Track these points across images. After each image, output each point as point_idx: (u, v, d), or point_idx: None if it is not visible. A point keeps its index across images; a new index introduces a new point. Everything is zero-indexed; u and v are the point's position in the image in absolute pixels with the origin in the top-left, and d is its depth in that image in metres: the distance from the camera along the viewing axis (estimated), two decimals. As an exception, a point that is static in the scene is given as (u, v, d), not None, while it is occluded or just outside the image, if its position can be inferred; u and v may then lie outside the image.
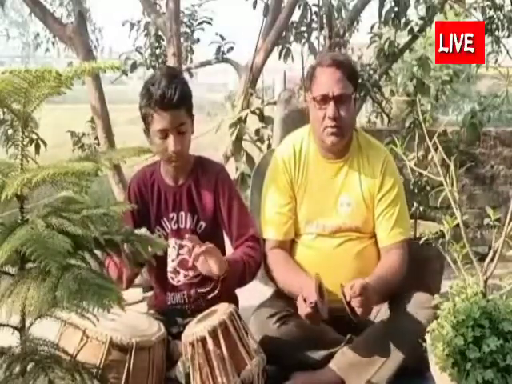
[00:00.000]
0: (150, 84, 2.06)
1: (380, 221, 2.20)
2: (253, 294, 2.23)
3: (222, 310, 1.89)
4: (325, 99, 2.13)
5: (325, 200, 2.22)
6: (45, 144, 4.05)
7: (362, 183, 2.21)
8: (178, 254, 2.19)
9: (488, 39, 4.71)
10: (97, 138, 4.34)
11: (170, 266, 2.19)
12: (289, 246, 2.26)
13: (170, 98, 2.03)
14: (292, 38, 4.57)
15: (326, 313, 1.93)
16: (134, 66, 4.78)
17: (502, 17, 4.69)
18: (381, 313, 2.20)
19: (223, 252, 2.27)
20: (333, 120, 2.13)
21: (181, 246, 2.18)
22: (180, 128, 2.06)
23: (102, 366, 1.70)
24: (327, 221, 2.21)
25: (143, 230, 1.89)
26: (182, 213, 2.18)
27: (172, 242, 2.17)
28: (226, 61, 4.71)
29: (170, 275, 2.20)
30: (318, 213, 2.21)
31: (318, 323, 1.99)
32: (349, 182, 2.22)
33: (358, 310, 1.91)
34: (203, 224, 2.18)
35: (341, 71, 2.14)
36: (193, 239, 2.01)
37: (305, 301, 1.94)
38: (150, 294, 2.45)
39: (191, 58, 4.91)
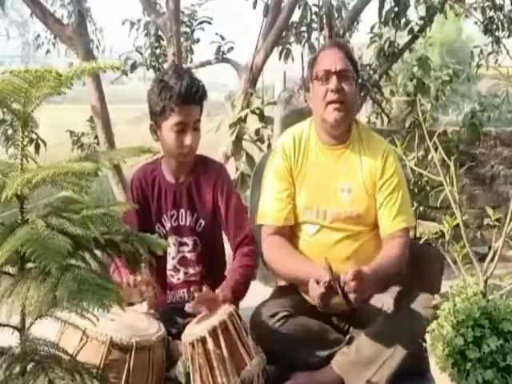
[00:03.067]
0: (168, 79, 2.07)
1: (383, 209, 2.19)
2: (253, 294, 2.23)
3: (222, 310, 1.89)
4: (327, 75, 2.15)
5: (325, 186, 2.21)
6: (44, 144, 4.06)
7: (363, 169, 2.21)
8: (178, 252, 2.19)
9: (488, 39, 4.72)
10: (96, 137, 4.35)
11: (170, 263, 2.20)
12: (288, 233, 2.24)
13: (195, 92, 2.07)
14: (292, 39, 4.58)
15: (338, 291, 1.92)
16: (133, 66, 4.78)
17: (501, 17, 4.70)
18: (381, 313, 2.19)
19: (222, 252, 2.28)
20: (336, 93, 2.14)
21: (181, 244, 2.19)
22: (196, 124, 2.10)
23: (102, 365, 1.70)
24: (327, 208, 2.19)
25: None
26: (182, 210, 2.19)
27: (172, 239, 2.18)
28: (226, 61, 4.71)
29: (169, 273, 2.20)
30: (319, 199, 2.21)
31: (329, 303, 1.97)
32: (350, 168, 2.22)
33: (352, 296, 1.91)
34: (202, 222, 2.18)
35: (342, 51, 2.20)
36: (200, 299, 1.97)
37: (317, 283, 1.94)
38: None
39: (191, 58, 4.91)
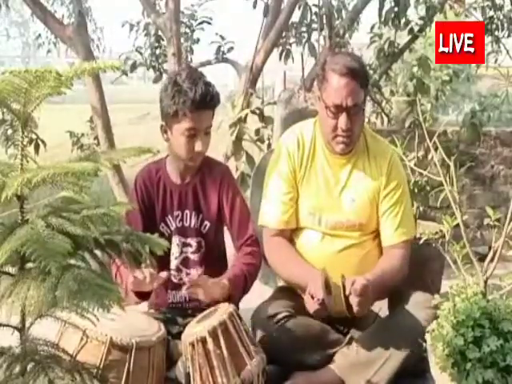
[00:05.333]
0: (182, 82, 2.05)
1: (385, 219, 2.19)
2: (253, 294, 2.23)
3: (222, 310, 1.89)
4: (337, 109, 2.10)
5: (329, 194, 2.21)
6: (44, 144, 4.06)
7: (367, 179, 2.20)
8: (181, 252, 2.19)
9: (488, 39, 4.73)
10: (96, 137, 4.35)
11: (173, 263, 2.19)
12: (290, 237, 2.24)
13: (210, 99, 2.05)
14: (292, 39, 4.59)
15: (332, 307, 1.94)
16: (133, 66, 4.79)
17: (501, 17, 4.71)
18: (382, 313, 2.20)
19: (224, 255, 2.28)
20: (345, 131, 2.11)
21: (184, 244, 2.19)
22: (207, 129, 2.09)
23: (101, 365, 1.70)
24: (330, 215, 2.19)
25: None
26: (187, 211, 2.18)
27: (176, 239, 2.18)
28: (226, 61, 4.72)
29: (172, 273, 2.20)
30: (321, 206, 2.20)
31: (324, 316, 2.00)
32: (354, 177, 2.21)
33: (355, 309, 1.92)
34: (208, 224, 2.18)
35: (355, 81, 2.09)
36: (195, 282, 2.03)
37: (312, 297, 1.94)
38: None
39: (191, 58, 4.92)
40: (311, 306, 1.96)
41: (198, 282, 2.01)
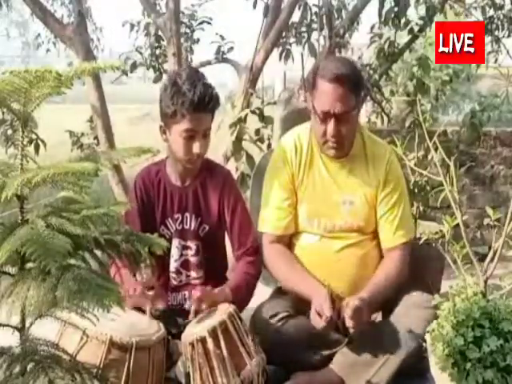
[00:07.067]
0: (181, 83, 2.04)
1: (383, 222, 2.19)
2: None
3: (222, 309, 1.89)
4: (326, 115, 2.09)
5: (326, 197, 2.21)
6: (44, 144, 4.06)
7: (365, 182, 2.20)
8: (181, 255, 2.19)
9: (488, 39, 4.73)
10: (96, 137, 4.35)
11: (173, 266, 2.19)
12: (288, 241, 2.24)
13: (208, 101, 2.04)
14: (292, 39, 4.59)
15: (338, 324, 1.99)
16: (134, 66, 4.79)
17: (501, 17, 4.71)
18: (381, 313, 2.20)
19: (224, 256, 2.27)
20: (333, 137, 2.11)
21: (184, 247, 2.18)
22: (206, 132, 2.08)
23: (101, 365, 1.70)
24: (328, 219, 2.19)
25: None
26: (187, 214, 2.17)
27: (176, 242, 2.17)
28: (226, 61, 4.71)
29: (172, 275, 2.20)
30: (320, 211, 2.20)
31: (331, 331, 2.03)
32: (351, 180, 2.21)
33: (351, 330, 1.95)
34: (206, 227, 2.17)
35: (344, 87, 2.06)
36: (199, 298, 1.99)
37: (319, 314, 1.96)
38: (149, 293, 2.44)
39: (191, 58, 4.91)
40: (318, 323, 1.97)
41: (203, 297, 1.98)
